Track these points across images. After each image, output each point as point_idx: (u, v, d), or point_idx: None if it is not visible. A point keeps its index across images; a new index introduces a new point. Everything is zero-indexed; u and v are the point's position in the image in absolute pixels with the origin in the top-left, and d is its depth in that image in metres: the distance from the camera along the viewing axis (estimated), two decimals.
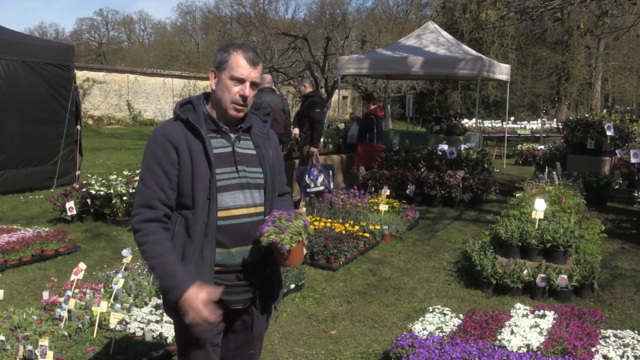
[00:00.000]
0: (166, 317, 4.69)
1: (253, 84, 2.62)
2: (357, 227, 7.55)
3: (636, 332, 4.40)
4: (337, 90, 20.59)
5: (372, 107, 11.76)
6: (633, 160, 10.79)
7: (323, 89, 23.20)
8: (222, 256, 2.60)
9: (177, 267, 2.52)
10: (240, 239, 2.63)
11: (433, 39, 14.76)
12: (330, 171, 10.13)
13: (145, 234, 2.54)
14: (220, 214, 2.57)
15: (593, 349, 3.97)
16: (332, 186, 10.01)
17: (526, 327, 4.30)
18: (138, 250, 2.59)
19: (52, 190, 10.97)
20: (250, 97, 2.64)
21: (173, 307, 2.65)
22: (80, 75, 26.58)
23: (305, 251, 2.61)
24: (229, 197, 2.60)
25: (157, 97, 32.78)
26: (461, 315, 4.82)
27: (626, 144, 11.82)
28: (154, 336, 4.41)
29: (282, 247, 2.46)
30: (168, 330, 4.46)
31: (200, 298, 2.45)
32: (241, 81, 2.59)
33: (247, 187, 2.66)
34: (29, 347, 3.97)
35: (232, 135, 2.68)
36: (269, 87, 9.29)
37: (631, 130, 11.85)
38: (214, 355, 2.73)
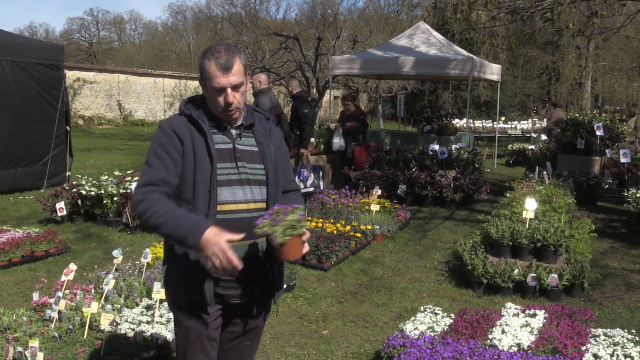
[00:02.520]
0: (157, 318, 4.68)
1: (235, 87, 2.64)
2: (348, 227, 7.56)
3: (626, 330, 4.42)
4: (328, 90, 20.61)
5: (354, 107, 11.66)
6: (622, 159, 10.85)
7: (314, 89, 23.20)
8: None
9: (189, 214, 2.54)
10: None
11: (424, 39, 14.77)
12: (321, 172, 10.11)
13: (147, 200, 2.56)
14: (219, 207, 2.62)
15: (583, 348, 3.99)
16: (322, 187, 9.98)
17: (517, 326, 4.31)
18: (143, 221, 2.55)
19: (42, 190, 10.91)
20: (239, 97, 2.66)
21: (175, 300, 2.71)
22: (71, 75, 26.46)
23: (305, 247, 2.58)
24: (228, 191, 2.65)
25: (148, 97, 32.66)
26: (452, 315, 4.83)
27: (616, 144, 11.88)
28: (145, 337, 4.40)
29: (273, 240, 2.47)
30: (159, 331, 4.45)
31: (224, 237, 2.40)
32: (222, 90, 2.62)
33: (247, 183, 2.70)
34: (19, 349, 3.95)
35: (234, 132, 2.74)
36: (267, 87, 9.15)
37: (621, 130, 11.91)
38: (211, 350, 2.77)
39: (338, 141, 11.91)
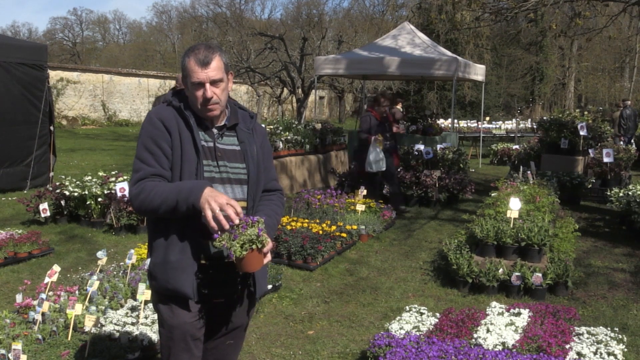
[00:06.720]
0: (142, 319, 4.65)
1: (214, 82, 2.63)
2: (334, 227, 7.56)
3: (609, 329, 4.46)
4: (313, 91, 20.61)
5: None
6: (605, 159, 10.95)
7: (300, 89, 23.21)
8: (202, 247, 2.62)
9: (185, 181, 2.58)
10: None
11: (409, 40, 14.82)
12: None
13: (145, 189, 2.56)
14: None
15: (567, 346, 4.02)
16: None
17: (502, 325, 4.34)
18: (145, 209, 2.56)
19: (25, 191, 10.80)
20: (219, 93, 2.66)
21: (160, 295, 2.69)
22: (54, 75, 26.26)
23: (267, 258, 2.55)
24: None
25: (132, 97, 32.47)
26: (438, 314, 4.85)
27: (599, 144, 11.99)
28: (130, 338, 4.37)
29: (229, 255, 2.44)
30: (144, 333, 4.43)
31: (217, 193, 2.47)
32: (200, 85, 2.62)
33: (228, 182, 2.70)
34: (2, 351, 3.91)
35: (215, 131, 2.74)
36: None
37: (604, 130, 12.02)
38: (196, 349, 2.76)
39: (380, 157, 9.17)
